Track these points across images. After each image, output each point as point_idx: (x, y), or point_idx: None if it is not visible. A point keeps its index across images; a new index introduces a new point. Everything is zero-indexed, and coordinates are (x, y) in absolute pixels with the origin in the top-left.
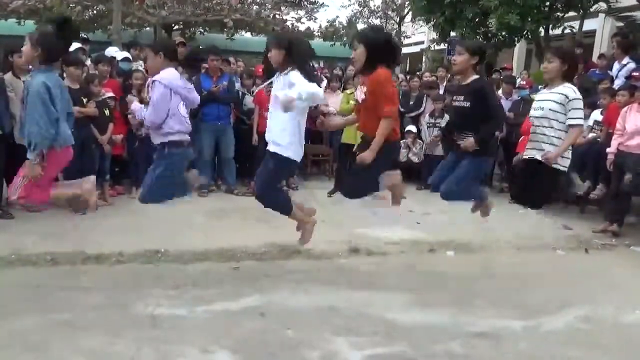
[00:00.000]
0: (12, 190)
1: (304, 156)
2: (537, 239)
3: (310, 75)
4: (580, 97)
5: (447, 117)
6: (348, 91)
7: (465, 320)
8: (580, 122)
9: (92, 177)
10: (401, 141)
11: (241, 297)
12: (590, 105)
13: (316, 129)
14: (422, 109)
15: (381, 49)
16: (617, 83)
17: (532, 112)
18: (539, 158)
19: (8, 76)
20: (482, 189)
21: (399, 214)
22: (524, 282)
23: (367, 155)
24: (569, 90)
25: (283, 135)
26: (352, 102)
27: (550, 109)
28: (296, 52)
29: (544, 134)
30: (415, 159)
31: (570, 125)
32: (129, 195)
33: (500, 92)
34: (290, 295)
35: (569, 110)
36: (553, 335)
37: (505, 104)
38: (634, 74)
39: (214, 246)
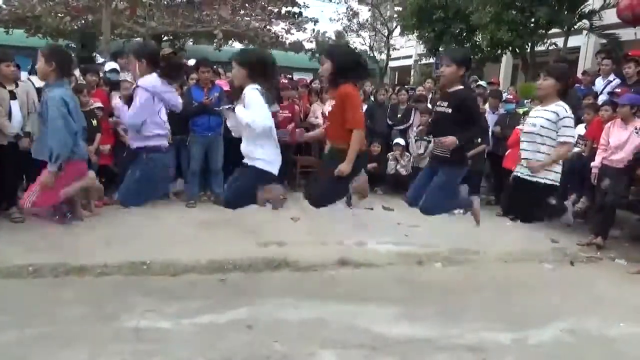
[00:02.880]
0: (27, 198)
1: (293, 167)
2: (524, 251)
3: (268, 94)
4: (572, 115)
5: None
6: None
7: (453, 332)
8: (570, 139)
9: (92, 172)
10: (389, 154)
11: (228, 310)
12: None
13: (304, 141)
14: (410, 121)
15: (347, 65)
16: (602, 99)
17: (524, 128)
18: (525, 176)
19: None
20: (466, 198)
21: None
22: (511, 294)
23: (344, 168)
24: (561, 109)
25: (256, 149)
26: None
27: (542, 126)
28: (257, 70)
29: (535, 151)
30: (403, 172)
31: (560, 143)
32: (116, 206)
33: (486, 105)
34: (278, 307)
35: (560, 128)
36: (540, 348)
37: (492, 117)
38: (617, 90)
39: (201, 258)
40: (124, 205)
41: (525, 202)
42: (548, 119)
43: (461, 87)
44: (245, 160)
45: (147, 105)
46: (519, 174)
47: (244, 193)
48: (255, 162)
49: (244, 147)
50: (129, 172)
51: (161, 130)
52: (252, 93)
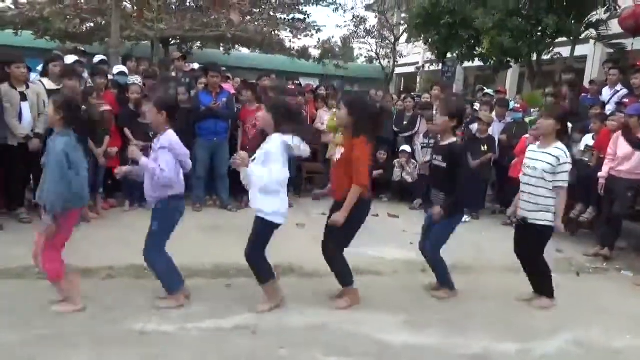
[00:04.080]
0: (36, 251)
1: (299, 172)
2: None
3: (298, 134)
4: (570, 160)
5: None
6: (335, 110)
7: (457, 342)
8: (565, 184)
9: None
10: (395, 161)
11: (232, 315)
12: (581, 130)
13: (311, 147)
14: (416, 129)
15: (364, 120)
16: (609, 109)
17: (525, 170)
18: (537, 222)
19: (5, 87)
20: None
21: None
22: (516, 304)
23: (338, 218)
24: (561, 153)
25: (260, 200)
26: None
27: (544, 171)
28: (281, 118)
29: (535, 194)
30: (408, 179)
31: (557, 187)
32: (122, 208)
33: (493, 114)
34: (283, 313)
35: (558, 173)
36: (545, 359)
37: (498, 126)
38: (625, 100)
39: (207, 262)
40: (148, 261)
41: (529, 247)
42: (550, 164)
43: (453, 139)
44: (256, 212)
45: (171, 166)
46: (521, 217)
47: (258, 245)
48: (260, 213)
49: (251, 196)
50: (150, 228)
51: (179, 186)
52: (274, 146)
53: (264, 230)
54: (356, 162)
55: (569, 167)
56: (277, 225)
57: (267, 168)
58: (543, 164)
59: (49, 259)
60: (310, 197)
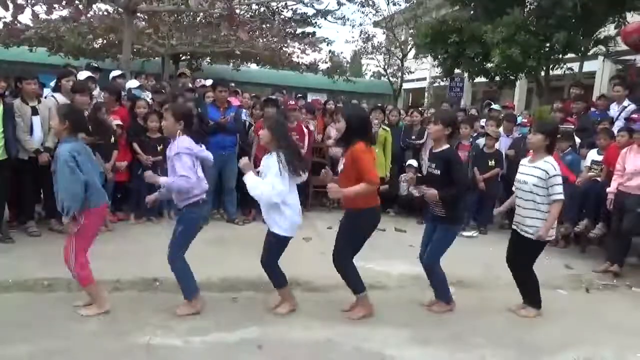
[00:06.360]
0: (69, 262)
1: (306, 187)
2: (538, 277)
3: (287, 162)
4: (559, 172)
5: None
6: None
7: (464, 357)
8: (561, 197)
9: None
10: (401, 175)
11: (238, 329)
12: (589, 145)
13: (318, 161)
14: (424, 139)
15: (358, 126)
16: (617, 125)
17: (516, 184)
18: (526, 235)
19: (17, 102)
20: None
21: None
22: (524, 320)
23: (336, 188)
24: (550, 166)
25: (271, 215)
26: None
27: (534, 184)
28: (277, 136)
29: (527, 208)
30: (415, 193)
31: (553, 201)
32: (129, 222)
33: (501, 129)
34: (288, 328)
35: (550, 186)
36: None
37: (506, 141)
38: (633, 115)
39: (213, 275)
40: (172, 263)
41: (519, 254)
42: (539, 177)
43: (446, 146)
44: (268, 226)
45: (191, 168)
46: (516, 229)
47: (271, 255)
48: (273, 227)
49: (263, 212)
50: (174, 231)
51: (200, 189)
52: (273, 160)
53: (275, 243)
54: (360, 162)
55: (559, 179)
56: (286, 238)
57: (267, 181)
58: (532, 178)
59: (80, 265)
60: (319, 211)
